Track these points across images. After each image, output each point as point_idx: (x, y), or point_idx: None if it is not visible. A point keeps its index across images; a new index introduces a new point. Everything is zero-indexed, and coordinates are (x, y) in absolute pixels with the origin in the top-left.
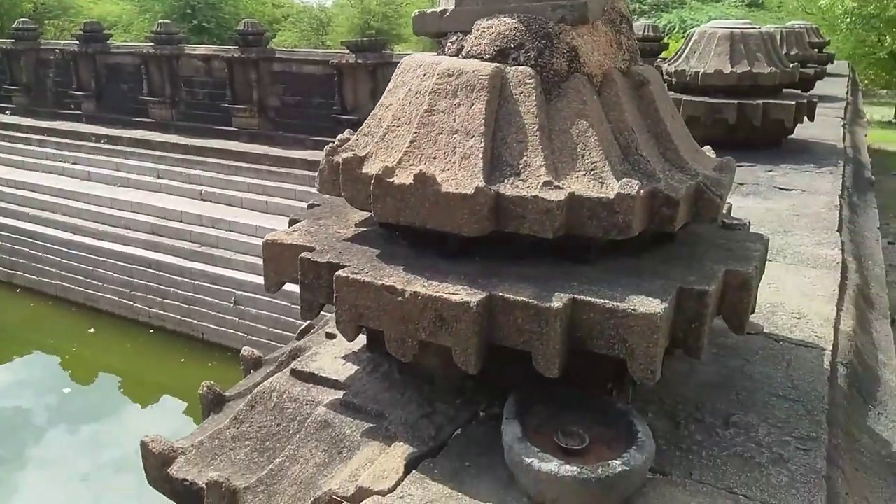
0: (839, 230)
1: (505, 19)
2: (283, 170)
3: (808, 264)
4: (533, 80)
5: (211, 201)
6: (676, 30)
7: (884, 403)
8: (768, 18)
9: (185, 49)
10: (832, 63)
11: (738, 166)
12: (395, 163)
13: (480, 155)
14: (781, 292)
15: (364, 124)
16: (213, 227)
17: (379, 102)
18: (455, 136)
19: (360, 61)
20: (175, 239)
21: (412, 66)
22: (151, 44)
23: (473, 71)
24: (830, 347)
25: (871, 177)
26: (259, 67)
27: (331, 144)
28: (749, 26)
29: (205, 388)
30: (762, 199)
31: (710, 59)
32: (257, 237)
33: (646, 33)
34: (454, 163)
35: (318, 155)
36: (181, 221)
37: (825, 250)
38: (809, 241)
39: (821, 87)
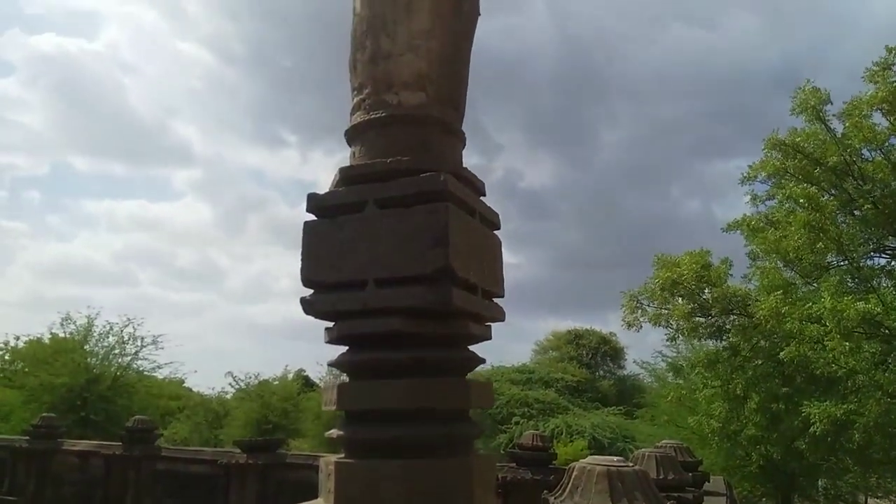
0: None
1: None
2: None
3: None
4: None
5: None
6: (563, 434)
7: None
8: (643, 427)
9: (64, 444)
10: (709, 481)
11: None
12: None
13: None
14: None
15: None
16: None
17: None
18: None
19: (250, 461)
20: None
21: None
22: (27, 437)
23: None
24: None
25: None
26: (141, 466)
27: None
28: (623, 464)
29: None
30: None
31: (591, 496)
32: None
33: (535, 443)
34: None
35: None
36: None
37: None
38: None
39: None
